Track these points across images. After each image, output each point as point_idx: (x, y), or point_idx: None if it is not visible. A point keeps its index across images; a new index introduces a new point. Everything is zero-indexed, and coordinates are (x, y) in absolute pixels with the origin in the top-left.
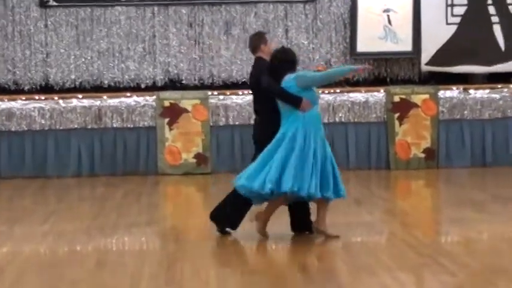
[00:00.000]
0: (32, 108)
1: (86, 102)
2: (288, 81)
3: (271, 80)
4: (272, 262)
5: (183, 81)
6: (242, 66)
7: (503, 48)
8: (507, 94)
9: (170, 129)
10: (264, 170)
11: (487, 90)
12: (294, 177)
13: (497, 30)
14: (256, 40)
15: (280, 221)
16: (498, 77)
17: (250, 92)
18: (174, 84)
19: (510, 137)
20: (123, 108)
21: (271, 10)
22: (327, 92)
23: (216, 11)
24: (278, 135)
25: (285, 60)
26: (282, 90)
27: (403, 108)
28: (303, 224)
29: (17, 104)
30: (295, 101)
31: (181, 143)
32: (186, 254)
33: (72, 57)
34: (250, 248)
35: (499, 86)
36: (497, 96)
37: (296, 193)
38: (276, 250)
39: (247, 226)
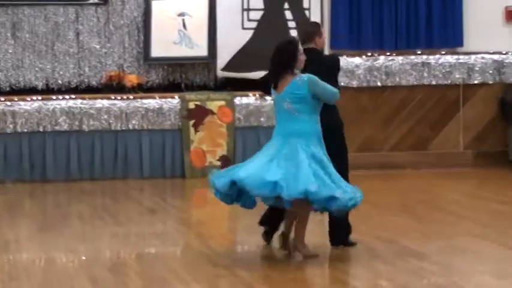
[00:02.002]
0: None
1: None
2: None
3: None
4: (61, 274)
5: None
6: (30, 71)
7: None
8: None
9: None
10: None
11: None
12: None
13: (294, 35)
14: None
15: (72, 232)
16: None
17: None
18: None
19: None
20: None
21: (61, 13)
22: (119, 98)
23: (2, 13)
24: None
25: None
26: None
27: (198, 115)
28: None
29: None
30: None
31: None
32: None
33: None
34: (38, 259)
35: None
36: None
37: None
38: (67, 262)
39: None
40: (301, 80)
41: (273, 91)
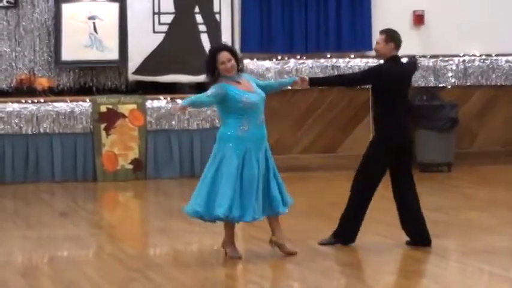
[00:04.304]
0: None
1: None
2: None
3: None
4: None
5: None
6: None
7: None
8: None
9: None
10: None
11: None
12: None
13: (204, 39)
14: None
15: None
16: (206, 86)
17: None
18: None
19: None
20: None
21: None
22: (30, 101)
23: None
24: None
25: None
26: None
27: (110, 118)
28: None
29: None
30: None
31: None
32: None
33: None
34: None
35: None
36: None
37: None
38: None
39: None
40: (210, 90)
41: None
